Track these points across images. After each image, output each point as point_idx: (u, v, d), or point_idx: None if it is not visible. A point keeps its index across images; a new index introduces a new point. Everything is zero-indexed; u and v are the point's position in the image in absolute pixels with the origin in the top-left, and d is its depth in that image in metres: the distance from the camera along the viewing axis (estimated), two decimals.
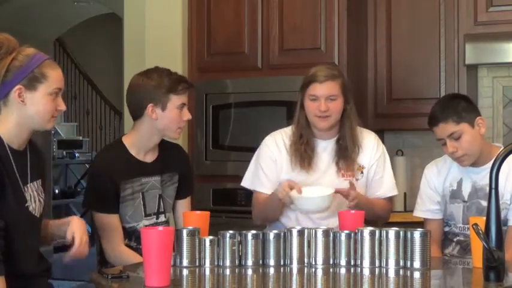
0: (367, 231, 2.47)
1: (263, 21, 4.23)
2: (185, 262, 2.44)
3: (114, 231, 2.91)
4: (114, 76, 9.18)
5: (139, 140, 3.00)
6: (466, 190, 3.02)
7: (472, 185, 3.01)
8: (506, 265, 2.23)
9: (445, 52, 4.29)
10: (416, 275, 2.39)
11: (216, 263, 2.47)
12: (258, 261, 2.48)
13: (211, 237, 2.49)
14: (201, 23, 4.36)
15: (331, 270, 2.48)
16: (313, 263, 2.50)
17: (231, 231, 2.50)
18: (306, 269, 2.48)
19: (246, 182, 3.22)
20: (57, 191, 9.33)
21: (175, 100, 2.95)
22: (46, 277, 2.62)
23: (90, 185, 3.07)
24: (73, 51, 10.57)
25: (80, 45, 10.65)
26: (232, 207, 4.12)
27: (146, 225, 2.98)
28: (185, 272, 2.42)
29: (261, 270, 2.45)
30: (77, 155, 9.79)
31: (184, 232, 2.45)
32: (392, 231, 2.45)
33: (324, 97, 3.03)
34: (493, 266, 2.18)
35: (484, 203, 2.87)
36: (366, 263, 2.46)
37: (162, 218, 3.05)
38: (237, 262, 2.48)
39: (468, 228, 2.80)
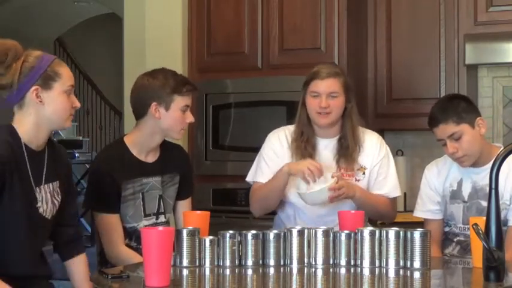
0: (367, 231, 2.47)
1: (263, 21, 4.23)
2: (185, 262, 2.44)
3: (114, 231, 2.91)
4: (114, 76, 9.18)
5: (142, 140, 3.00)
6: (466, 190, 3.02)
7: (472, 186, 3.01)
8: (506, 265, 2.23)
9: (445, 52, 4.29)
10: (416, 275, 2.39)
11: (216, 263, 2.47)
12: (258, 261, 2.47)
13: (211, 237, 2.49)
14: (201, 23, 4.36)
15: (331, 270, 2.47)
16: (313, 263, 2.50)
17: (231, 231, 2.50)
18: (306, 269, 2.48)
19: (249, 177, 3.22)
20: None
21: (180, 101, 2.96)
22: (47, 279, 2.63)
23: (90, 185, 3.06)
24: (73, 51, 10.57)
25: (80, 45, 10.65)
26: (232, 207, 4.12)
27: (146, 226, 2.98)
28: (185, 272, 2.42)
29: (261, 270, 2.45)
30: (76, 155, 9.78)
31: (184, 232, 2.45)
32: (392, 231, 2.45)
33: (325, 94, 3.04)
34: (493, 266, 2.18)
35: (484, 203, 2.87)
36: (366, 263, 2.46)
37: (162, 219, 3.05)
38: (237, 262, 2.48)
39: (468, 229, 2.80)
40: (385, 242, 2.45)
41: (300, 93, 3.15)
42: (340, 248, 2.49)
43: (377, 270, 2.45)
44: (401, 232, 2.45)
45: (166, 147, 3.09)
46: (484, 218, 2.25)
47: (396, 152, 4.51)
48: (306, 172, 2.90)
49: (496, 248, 2.18)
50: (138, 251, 2.84)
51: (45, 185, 2.51)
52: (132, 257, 2.85)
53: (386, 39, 4.41)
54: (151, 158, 3.03)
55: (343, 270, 2.47)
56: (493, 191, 2.21)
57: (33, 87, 2.43)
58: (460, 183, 3.04)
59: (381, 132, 4.32)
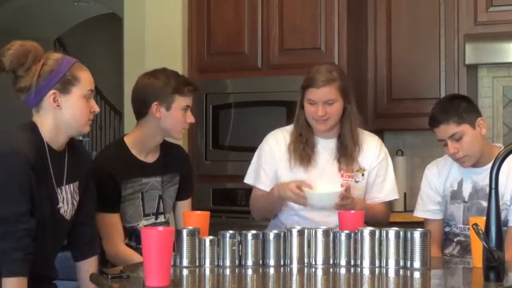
0: (367, 231, 2.47)
1: (263, 21, 4.23)
2: (185, 262, 2.44)
3: (114, 230, 2.91)
4: (114, 76, 9.18)
5: (142, 140, 3.00)
6: (466, 190, 3.02)
7: (473, 186, 3.01)
8: (506, 265, 2.22)
9: (445, 52, 4.29)
10: (416, 275, 2.39)
11: (216, 263, 2.47)
12: (258, 261, 2.47)
13: (211, 237, 2.49)
14: (201, 23, 4.36)
15: (331, 270, 2.47)
16: (313, 263, 2.50)
17: (231, 231, 2.50)
18: (306, 269, 2.48)
19: (248, 179, 3.22)
20: None
21: (181, 101, 2.95)
22: (53, 279, 2.63)
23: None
24: (73, 51, 10.55)
25: (80, 45, 10.65)
26: (232, 207, 4.12)
27: (145, 225, 2.98)
28: (185, 272, 2.42)
29: (261, 270, 2.45)
30: None
31: (184, 232, 2.45)
32: (392, 231, 2.45)
33: (321, 102, 3.03)
34: (493, 266, 2.18)
35: (485, 204, 2.87)
36: (366, 263, 2.46)
37: (161, 219, 3.05)
38: (237, 262, 2.47)
39: (468, 229, 2.80)
40: (385, 242, 2.45)
41: (299, 93, 3.15)
42: (340, 248, 2.49)
43: (377, 270, 2.44)
44: (401, 232, 2.45)
45: (166, 147, 3.09)
46: (484, 218, 2.25)
47: (396, 152, 4.51)
48: (293, 199, 2.94)
49: (496, 248, 2.18)
50: (138, 250, 2.84)
51: (66, 186, 2.51)
52: (132, 256, 2.85)
53: (386, 39, 4.41)
54: (151, 158, 3.03)
55: (343, 270, 2.47)
56: (493, 191, 2.21)
57: (51, 91, 2.42)
58: (460, 184, 3.04)
59: (381, 132, 4.33)
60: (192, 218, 2.71)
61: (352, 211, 2.85)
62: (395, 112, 4.39)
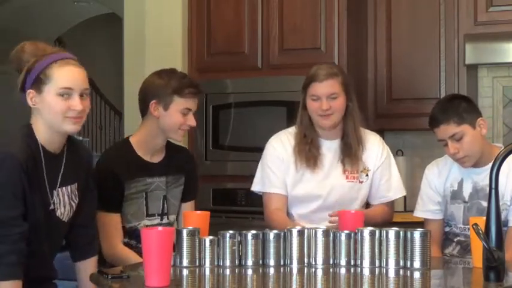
0: (367, 231, 2.47)
1: (263, 21, 4.23)
2: (185, 262, 2.44)
3: (113, 229, 2.91)
4: (114, 76, 9.18)
5: (146, 139, 3.00)
6: (466, 191, 3.02)
7: (473, 186, 3.01)
8: (506, 265, 2.22)
9: (445, 52, 4.29)
10: (416, 275, 2.38)
11: (216, 263, 2.47)
12: (258, 261, 2.47)
13: (211, 237, 2.49)
14: (201, 23, 4.36)
15: (331, 270, 2.47)
16: (313, 263, 2.49)
17: (231, 231, 2.49)
18: (306, 269, 2.48)
19: (256, 187, 3.20)
20: None
21: (180, 103, 2.94)
22: (52, 279, 2.63)
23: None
24: (73, 51, 10.54)
25: (80, 45, 10.63)
26: (232, 207, 4.12)
27: (147, 225, 2.98)
28: (185, 272, 2.42)
29: (261, 270, 2.45)
30: None
31: (184, 232, 2.45)
32: (392, 231, 2.45)
33: (325, 96, 3.03)
34: (493, 266, 2.18)
35: (485, 204, 2.87)
36: (366, 263, 2.46)
37: (166, 220, 3.04)
38: (237, 262, 2.47)
39: (468, 229, 2.80)
40: (385, 242, 2.45)
41: (299, 93, 3.15)
42: (340, 248, 2.49)
43: (377, 270, 2.44)
44: (401, 232, 2.44)
45: (171, 148, 3.10)
46: (484, 218, 2.25)
47: (396, 152, 4.51)
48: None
49: (496, 248, 2.18)
50: (138, 249, 2.83)
51: (62, 188, 2.50)
52: (129, 255, 2.85)
53: (386, 39, 4.41)
54: (156, 159, 3.03)
55: (343, 270, 2.47)
56: (493, 191, 2.21)
57: (28, 91, 2.42)
58: (460, 184, 3.04)
59: (381, 132, 4.32)
60: (192, 218, 2.71)
61: (352, 211, 2.85)
62: (396, 112, 4.39)
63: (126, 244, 2.94)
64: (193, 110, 3.00)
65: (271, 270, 2.45)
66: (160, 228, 2.26)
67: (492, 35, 4.15)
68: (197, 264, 2.45)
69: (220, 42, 4.32)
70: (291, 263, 2.49)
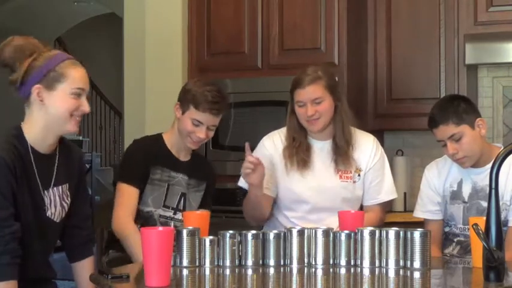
0: (367, 231, 2.47)
1: (263, 21, 4.23)
2: (185, 262, 2.44)
3: (128, 200, 2.97)
4: (114, 76, 9.19)
5: (175, 137, 3.12)
6: (466, 191, 3.02)
7: (473, 186, 3.01)
8: (506, 265, 2.22)
9: (445, 52, 4.29)
10: (416, 275, 2.39)
11: (216, 263, 2.47)
12: (258, 261, 2.47)
13: (211, 237, 2.49)
14: (201, 23, 4.36)
15: (331, 270, 2.47)
16: (313, 263, 2.50)
17: (231, 231, 2.50)
18: (306, 269, 2.48)
19: (241, 182, 3.21)
20: None
21: (193, 113, 3.03)
22: (51, 279, 2.62)
23: (122, 162, 3.18)
24: (73, 51, 10.55)
25: (80, 45, 10.65)
26: (232, 207, 4.12)
27: (161, 215, 3.06)
28: (185, 272, 2.42)
29: (261, 270, 2.45)
30: None
31: (184, 232, 2.45)
32: (392, 231, 2.45)
33: (309, 101, 3.02)
34: (493, 266, 2.18)
35: (485, 204, 2.87)
36: (366, 263, 2.46)
37: (179, 216, 3.07)
38: (237, 262, 2.48)
39: (468, 229, 2.80)
40: (385, 242, 2.45)
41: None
42: (340, 248, 2.49)
43: (377, 270, 2.44)
44: (401, 232, 2.45)
45: (198, 156, 3.24)
46: (484, 218, 2.25)
47: (396, 152, 4.51)
48: (245, 173, 2.94)
49: (496, 248, 2.18)
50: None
51: (54, 188, 2.50)
52: (136, 238, 2.72)
53: (386, 39, 4.41)
54: (183, 158, 3.15)
55: (343, 270, 2.47)
56: (493, 191, 2.21)
57: (35, 86, 2.41)
58: (460, 184, 3.04)
59: (381, 132, 4.33)
60: (192, 218, 2.72)
61: (352, 211, 2.85)
62: (395, 112, 4.39)
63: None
64: (209, 125, 3.06)
65: (271, 270, 2.46)
66: (160, 228, 2.26)
67: (492, 35, 4.15)
68: (197, 264, 2.45)
69: (220, 42, 4.32)
70: (291, 263, 2.49)
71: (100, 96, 10.88)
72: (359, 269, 2.46)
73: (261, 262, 2.48)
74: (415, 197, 3.21)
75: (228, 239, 2.47)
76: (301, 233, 2.51)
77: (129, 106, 4.51)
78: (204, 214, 2.73)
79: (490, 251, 2.16)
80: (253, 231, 2.50)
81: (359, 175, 3.12)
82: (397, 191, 3.29)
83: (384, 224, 3.21)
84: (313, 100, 3.02)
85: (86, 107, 2.48)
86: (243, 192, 3.23)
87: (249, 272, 2.45)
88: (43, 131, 2.45)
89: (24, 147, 2.42)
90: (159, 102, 4.32)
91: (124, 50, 4.57)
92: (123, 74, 4.55)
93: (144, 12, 4.47)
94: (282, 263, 2.49)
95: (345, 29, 4.08)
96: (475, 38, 4.14)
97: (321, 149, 3.13)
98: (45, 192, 2.47)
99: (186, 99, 3.03)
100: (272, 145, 3.17)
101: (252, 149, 3.28)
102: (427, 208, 3.11)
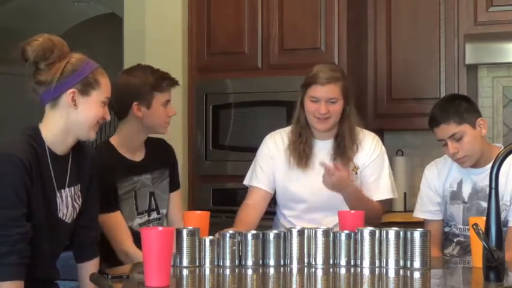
0: (367, 231, 2.47)
1: (263, 21, 4.23)
2: (185, 262, 2.44)
3: (119, 228, 2.92)
4: (114, 76, 9.17)
5: (127, 140, 3.02)
6: (466, 191, 3.02)
7: (472, 186, 3.01)
8: (506, 265, 2.22)
9: (445, 52, 4.29)
10: (416, 275, 2.39)
11: (216, 263, 2.47)
12: (258, 261, 2.47)
13: (211, 237, 2.49)
14: (201, 23, 4.36)
15: (331, 270, 2.47)
16: (313, 263, 2.50)
17: (231, 231, 2.50)
18: (306, 269, 2.48)
19: (246, 180, 3.24)
20: None
21: (160, 97, 2.97)
22: (55, 284, 2.63)
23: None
24: (73, 51, 10.55)
25: (80, 45, 10.64)
26: (232, 207, 4.10)
27: (139, 224, 3.00)
28: (185, 272, 2.42)
29: (261, 270, 2.45)
30: None
31: (184, 232, 2.45)
32: (392, 231, 2.45)
33: (324, 100, 3.02)
34: (493, 266, 2.18)
35: (484, 204, 2.87)
36: (366, 263, 2.46)
37: (154, 215, 3.06)
38: (237, 262, 2.48)
39: (468, 229, 2.80)
40: (385, 242, 2.45)
41: (299, 93, 3.14)
42: (340, 248, 2.49)
43: (377, 270, 2.44)
44: (401, 232, 2.45)
45: (150, 143, 3.11)
46: (484, 218, 2.25)
47: (396, 152, 4.51)
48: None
49: (496, 248, 2.18)
50: None
51: (67, 189, 2.50)
52: (139, 254, 2.81)
53: (386, 39, 4.41)
54: (138, 156, 3.06)
55: (343, 270, 2.47)
56: (493, 191, 2.21)
57: (71, 90, 2.42)
58: (460, 184, 3.04)
59: (381, 132, 4.33)
60: (192, 218, 2.72)
61: (352, 211, 2.85)
62: (395, 112, 4.39)
63: None
64: (171, 100, 3.02)
65: (271, 270, 2.46)
66: (160, 228, 2.26)
67: (492, 35, 4.15)
68: (197, 264, 2.45)
69: (220, 42, 4.32)
70: (291, 263, 2.49)
71: None
72: (359, 269, 2.46)
73: (261, 262, 2.48)
74: (415, 197, 3.21)
75: (228, 239, 2.47)
76: (301, 233, 2.51)
77: None
78: (204, 214, 2.73)
79: (490, 251, 2.16)
80: (253, 231, 2.50)
81: (356, 173, 3.13)
82: (397, 191, 3.29)
83: (384, 224, 3.22)
84: (329, 99, 3.02)
85: (108, 116, 2.53)
86: (245, 192, 3.23)
87: (249, 272, 2.45)
88: (63, 133, 2.46)
89: (41, 148, 2.42)
90: None
91: (124, 50, 4.57)
92: None
93: (144, 12, 4.47)
94: (282, 263, 2.49)
95: (345, 29, 4.08)
96: (475, 38, 4.14)
97: (321, 149, 3.13)
98: (59, 193, 2.47)
99: (144, 92, 2.94)
100: (273, 143, 3.18)
101: (253, 149, 3.29)
102: (427, 208, 3.11)
